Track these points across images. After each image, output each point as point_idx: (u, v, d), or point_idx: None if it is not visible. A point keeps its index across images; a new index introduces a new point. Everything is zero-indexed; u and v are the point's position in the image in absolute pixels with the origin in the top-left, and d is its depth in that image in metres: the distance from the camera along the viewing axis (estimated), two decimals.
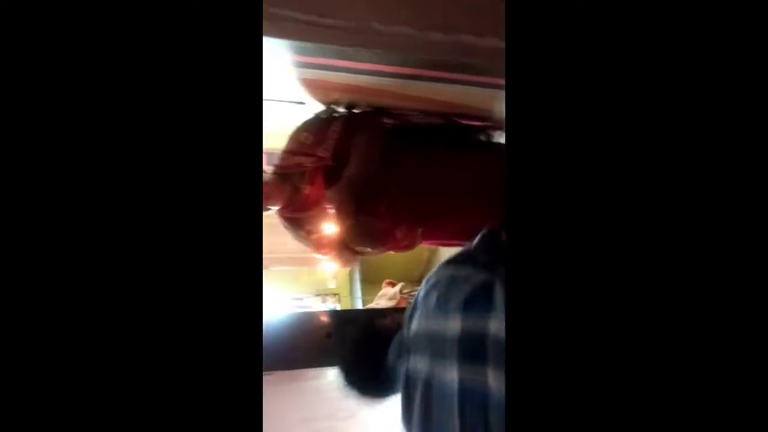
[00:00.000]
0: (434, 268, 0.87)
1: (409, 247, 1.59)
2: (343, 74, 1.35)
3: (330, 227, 1.43)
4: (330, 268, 1.58)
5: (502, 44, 0.50)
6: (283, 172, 1.51)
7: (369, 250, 1.58)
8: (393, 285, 4.20)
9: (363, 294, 3.86)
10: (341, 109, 1.56)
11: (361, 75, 1.36)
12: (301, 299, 3.78)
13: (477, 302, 0.69)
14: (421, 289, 0.86)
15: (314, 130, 1.50)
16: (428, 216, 1.50)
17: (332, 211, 1.35)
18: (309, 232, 1.55)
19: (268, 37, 1.13)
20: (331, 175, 1.46)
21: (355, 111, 1.56)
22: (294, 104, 1.60)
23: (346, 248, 1.47)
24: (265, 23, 1.07)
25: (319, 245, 1.48)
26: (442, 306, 0.74)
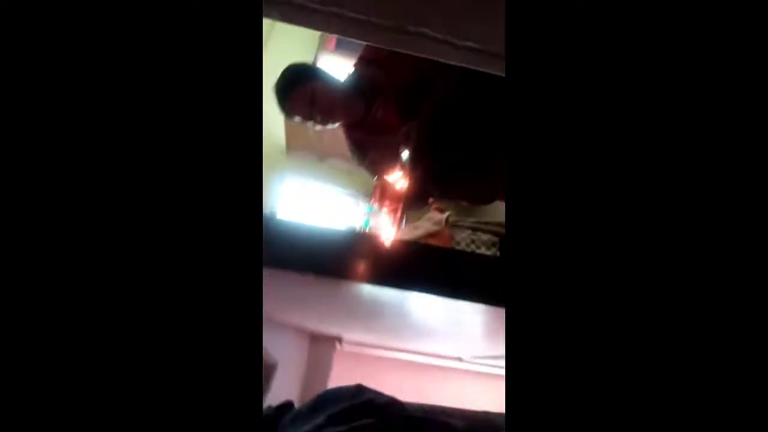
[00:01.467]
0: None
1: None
2: None
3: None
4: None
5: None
6: (356, 84, 1.35)
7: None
8: (441, 211, 4.15)
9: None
10: None
11: None
12: (356, 197, 3.87)
13: None
14: None
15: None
16: None
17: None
18: (373, 161, 1.46)
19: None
20: (405, 102, 1.32)
21: None
22: None
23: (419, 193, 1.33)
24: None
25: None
26: None
